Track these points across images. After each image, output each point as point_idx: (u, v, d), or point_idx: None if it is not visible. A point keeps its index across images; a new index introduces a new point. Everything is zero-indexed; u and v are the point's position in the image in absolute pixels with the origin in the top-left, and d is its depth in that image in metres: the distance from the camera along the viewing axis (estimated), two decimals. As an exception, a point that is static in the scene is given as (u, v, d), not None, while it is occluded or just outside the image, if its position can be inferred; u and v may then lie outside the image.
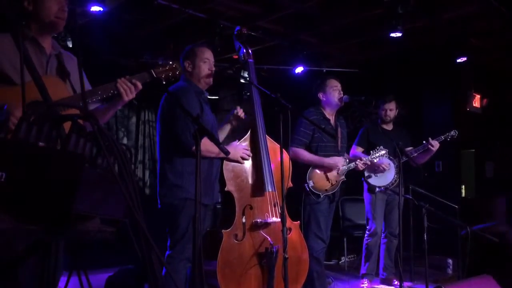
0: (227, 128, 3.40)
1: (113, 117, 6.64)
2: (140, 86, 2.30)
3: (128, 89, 2.27)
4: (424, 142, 4.70)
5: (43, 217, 1.11)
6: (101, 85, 2.25)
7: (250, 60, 3.53)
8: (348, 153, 4.54)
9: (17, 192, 1.06)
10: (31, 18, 2.23)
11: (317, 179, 3.95)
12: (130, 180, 1.25)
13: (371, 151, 4.32)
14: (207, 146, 2.84)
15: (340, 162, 3.99)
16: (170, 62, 2.50)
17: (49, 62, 2.28)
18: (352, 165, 4.12)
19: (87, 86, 2.40)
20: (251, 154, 3.26)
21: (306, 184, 3.89)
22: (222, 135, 3.40)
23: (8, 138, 1.14)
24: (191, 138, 2.86)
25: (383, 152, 4.28)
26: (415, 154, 4.63)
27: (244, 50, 3.54)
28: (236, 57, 3.61)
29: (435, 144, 4.57)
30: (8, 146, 1.09)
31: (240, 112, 3.34)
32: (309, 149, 3.98)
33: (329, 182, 3.98)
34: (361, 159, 4.21)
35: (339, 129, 4.15)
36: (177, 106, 2.96)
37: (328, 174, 3.99)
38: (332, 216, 4.15)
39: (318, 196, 3.92)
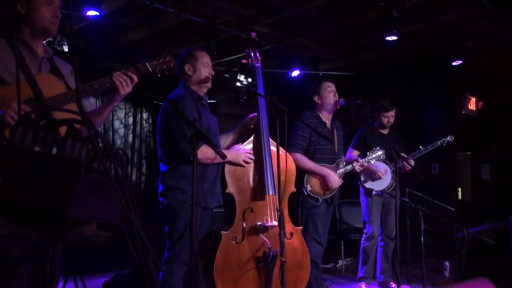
0: (231, 136, 3.44)
1: (109, 123, 6.63)
2: (136, 79, 2.31)
3: (124, 82, 2.27)
4: (420, 147, 4.72)
5: (39, 222, 1.11)
6: (97, 79, 2.25)
7: (258, 64, 3.56)
8: (344, 156, 4.54)
9: (13, 197, 1.06)
10: (23, 22, 2.23)
11: (315, 183, 3.94)
12: (126, 184, 1.24)
13: (368, 153, 4.32)
14: (204, 153, 2.90)
15: (336, 181, 3.96)
16: (164, 56, 2.50)
17: (42, 64, 2.27)
18: (349, 167, 4.12)
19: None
20: (253, 158, 3.26)
21: (304, 189, 3.89)
22: (227, 140, 3.42)
23: (4, 143, 1.14)
24: (188, 147, 2.88)
25: (379, 153, 4.27)
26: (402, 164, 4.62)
27: (253, 55, 3.58)
28: (246, 61, 3.65)
29: (411, 163, 4.59)
30: (4, 151, 1.09)
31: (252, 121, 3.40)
32: (306, 152, 3.98)
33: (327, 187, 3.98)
34: (358, 161, 4.20)
35: (335, 132, 4.15)
36: (173, 114, 2.98)
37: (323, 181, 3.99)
38: (329, 219, 4.14)
39: (317, 200, 3.92)
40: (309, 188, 3.90)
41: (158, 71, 2.45)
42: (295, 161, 3.89)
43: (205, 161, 3.01)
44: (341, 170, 4.04)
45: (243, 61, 3.75)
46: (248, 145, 3.33)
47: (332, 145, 4.06)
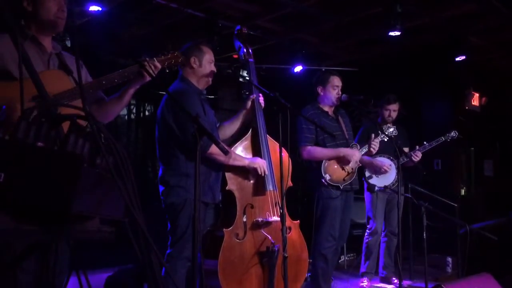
0: (237, 122, 3.40)
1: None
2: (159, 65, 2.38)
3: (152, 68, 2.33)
4: (425, 142, 4.70)
5: (42, 218, 1.11)
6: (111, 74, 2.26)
7: (251, 59, 3.50)
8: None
9: (16, 193, 1.06)
10: (30, 18, 2.24)
11: (333, 171, 3.93)
12: (129, 179, 1.24)
13: (379, 132, 4.31)
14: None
15: (356, 154, 3.99)
16: (172, 51, 2.50)
17: (51, 60, 2.28)
18: (364, 149, 4.10)
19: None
20: (263, 174, 3.22)
21: (322, 179, 3.86)
22: (234, 126, 3.39)
23: (7, 138, 1.14)
24: (204, 142, 2.84)
25: (391, 129, 4.30)
26: (406, 160, 4.62)
27: (245, 50, 3.51)
28: (236, 56, 3.58)
29: (418, 155, 4.58)
30: (7, 146, 1.09)
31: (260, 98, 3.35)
32: (317, 143, 3.97)
33: (345, 171, 3.97)
34: (372, 140, 4.14)
35: (340, 119, 4.15)
36: (180, 111, 2.91)
37: (342, 164, 3.99)
38: (350, 213, 4.12)
39: (338, 188, 3.91)
40: (328, 177, 3.88)
41: (166, 66, 2.45)
42: (309, 154, 3.90)
43: (219, 158, 3.00)
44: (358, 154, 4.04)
45: (234, 56, 3.70)
46: (245, 141, 3.31)
47: (341, 131, 4.06)
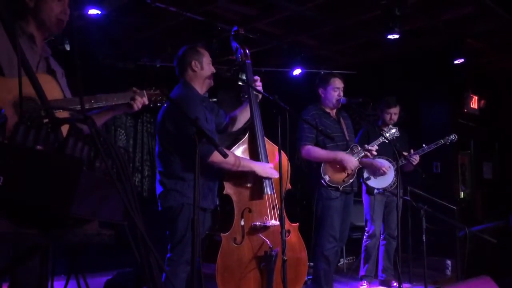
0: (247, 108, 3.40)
1: (111, 121, 6.63)
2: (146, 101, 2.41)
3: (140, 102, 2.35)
4: (424, 145, 4.71)
5: (41, 221, 1.11)
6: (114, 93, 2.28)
7: (248, 61, 3.49)
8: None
9: (15, 196, 1.06)
10: (31, 15, 2.19)
11: (333, 172, 3.93)
12: (128, 182, 1.24)
13: (381, 133, 4.31)
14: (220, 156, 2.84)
15: (353, 161, 3.95)
16: (160, 89, 2.55)
17: (40, 63, 2.22)
18: (362, 152, 4.08)
19: (67, 93, 2.36)
20: (277, 176, 3.18)
21: (322, 180, 3.86)
22: (246, 115, 3.42)
23: (6, 142, 1.14)
24: (205, 149, 2.80)
25: (393, 130, 4.32)
26: (405, 162, 4.64)
27: (242, 51, 3.51)
28: (234, 58, 3.59)
29: (416, 158, 4.60)
30: (6, 149, 1.09)
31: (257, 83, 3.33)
32: (317, 143, 3.97)
33: (345, 172, 3.97)
34: (370, 146, 4.11)
35: (341, 120, 4.15)
36: (181, 115, 2.87)
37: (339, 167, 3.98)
38: (350, 214, 4.11)
39: (337, 189, 3.90)
40: (327, 178, 3.87)
41: (152, 101, 2.48)
42: (307, 154, 3.90)
43: (224, 166, 2.98)
44: (356, 156, 4.03)
45: (231, 57, 3.70)
46: (243, 144, 3.30)
47: (341, 132, 4.06)
